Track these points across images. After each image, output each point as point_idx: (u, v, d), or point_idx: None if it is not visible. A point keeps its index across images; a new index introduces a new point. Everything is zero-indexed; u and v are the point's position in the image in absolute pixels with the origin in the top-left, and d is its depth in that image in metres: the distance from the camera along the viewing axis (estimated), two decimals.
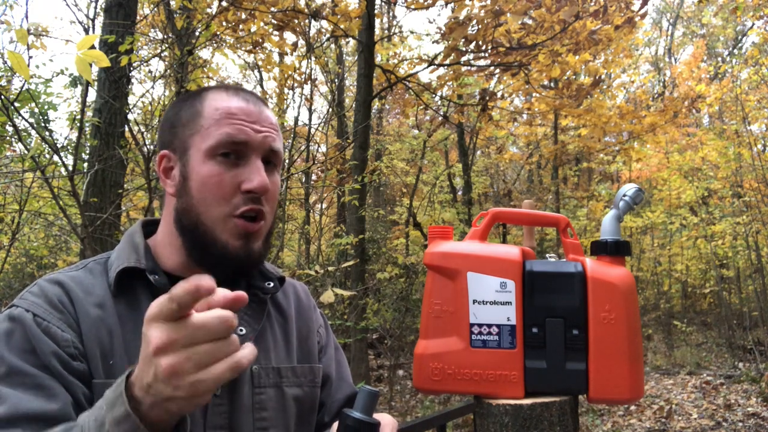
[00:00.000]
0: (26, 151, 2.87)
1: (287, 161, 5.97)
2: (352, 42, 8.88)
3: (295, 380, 0.88)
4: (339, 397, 0.97)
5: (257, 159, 0.81)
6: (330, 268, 3.82)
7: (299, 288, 1.01)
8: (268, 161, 0.85)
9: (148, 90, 4.34)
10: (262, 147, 0.82)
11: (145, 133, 3.62)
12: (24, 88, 2.88)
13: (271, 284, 0.91)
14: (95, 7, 3.13)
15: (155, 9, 5.03)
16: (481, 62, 6.40)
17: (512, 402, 0.95)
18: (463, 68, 6.47)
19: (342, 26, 5.60)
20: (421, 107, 7.31)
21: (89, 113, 3.81)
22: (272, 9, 5.32)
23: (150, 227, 0.90)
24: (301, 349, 0.92)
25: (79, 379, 0.71)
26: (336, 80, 9.22)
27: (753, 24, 10.92)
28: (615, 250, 1.02)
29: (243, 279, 0.91)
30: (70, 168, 2.70)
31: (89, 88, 3.39)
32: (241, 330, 0.84)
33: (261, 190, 0.80)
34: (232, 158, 0.81)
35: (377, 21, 6.94)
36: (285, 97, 7.40)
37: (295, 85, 6.60)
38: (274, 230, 0.90)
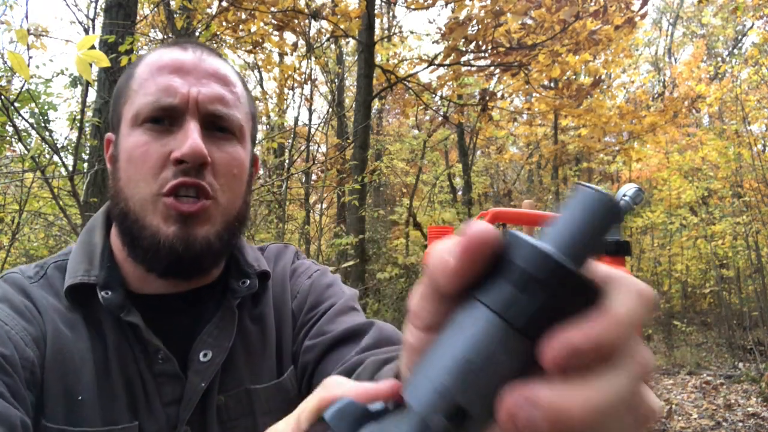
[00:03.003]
0: (26, 151, 2.87)
1: (287, 161, 5.98)
2: (352, 42, 8.88)
3: (266, 406, 0.69)
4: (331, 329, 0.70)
5: (192, 120, 0.63)
6: (330, 268, 3.82)
7: (278, 272, 0.79)
8: (219, 126, 0.66)
9: None
10: (198, 105, 0.63)
11: None
12: (24, 89, 2.88)
13: (247, 282, 0.71)
14: (95, 7, 3.13)
15: (155, 9, 5.03)
16: (481, 62, 6.40)
17: None
18: (463, 68, 6.47)
19: (342, 26, 5.60)
20: (421, 107, 7.31)
21: (89, 113, 3.81)
22: (272, 9, 5.32)
23: None
24: (279, 354, 0.73)
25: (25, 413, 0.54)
26: (336, 80, 9.22)
27: (753, 24, 10.92)
28: (615, 250, 1.02)
29: (220, 281, 0.72)
30: (70, 168, 2.70)
31: (89, 88, 3.39)
32: (206, 355, 0.65)
33: (192, 156, 0.60)
34: (164, 124, 0.63)
35: (377, 21, 6.94)
36: (285, 97, 7.40)
37: (295, 85, 6.60)
38: (245, 218, 0.71)
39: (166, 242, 0.61)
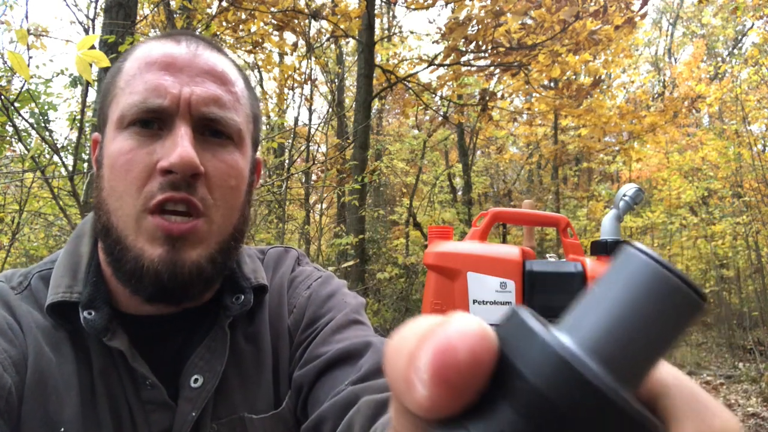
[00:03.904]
0: (26, 151, 2.87)
1: (287, 161, 5.97)
2: (352, 42, 8.89)
3: None
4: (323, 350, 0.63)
5: (182, 125, 0.56)
6: (330, 268, 3.82)
7: (276, 282, 0.72)
8: (214, 130, 0.58)
9: None
10: (191, 107, 0.56)
11: None
12: (24, 89, 2.88)
13: (241, 298, 0.64)
14: (95, 7, 3.13)
15: (155, 9, 5.03)
16: (481, 62, 6.40)
17: None
18: (463, 68, 6.47)
19: (342, 26, 5.60)
20: (421, 107, 7.31)
21: (89, 113, 3.81)
22: (272, 9, 5.32)
23: None
24: (276, 377, 0.66)
25: None
26: (336, 80, 9.22)
27: (753, 24, 10.93)
28: (615, 250, 1.02)
29: (214, 298, 0.65)
30: (70, 168, 2.70)
31: (89, 88, 3.39)
32: (196, 380, 0.59)
33: (182, 166, 0.53)
34: (152, 128, 0.56)
35: (377, 21, 6.95)
36: (285, 97, 7.40)
37: (295, 85, 6.60)
38: (242, 234, 0.63)
39: (150, 267, 0.54)
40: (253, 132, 0.66)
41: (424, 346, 0.17)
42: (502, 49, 5.94)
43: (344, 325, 0.64)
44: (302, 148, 7.17)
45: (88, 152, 4.00)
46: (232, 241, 0.61)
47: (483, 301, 1.01)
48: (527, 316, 0.17)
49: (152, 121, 0.56)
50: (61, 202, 2.75)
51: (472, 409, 0.17)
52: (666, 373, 0.18)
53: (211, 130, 0.59)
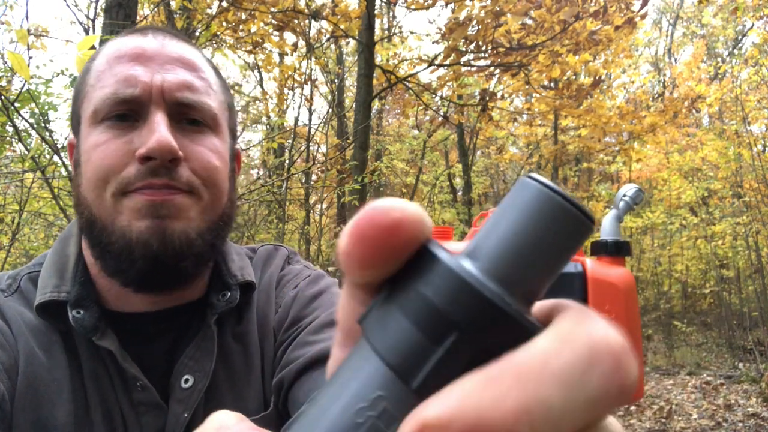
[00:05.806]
0: (26, 152, 2.87)
1: (287, 161, 5.98)
2: (352, 42, 8.89)
3: None
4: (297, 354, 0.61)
5: (157, 112, 0.55)
6: (330, 269, 3.82)
7: (264, 281, 0.70)
8: (190, 118, 0.58)
9: None
10: (164, 94, 0.56)
11: None
12: (24, 89, 2.88)
13: (227, 295, 0.63)
14: (95, 8, 3.13)
15: (155, 9, 5.03)
16: (481, 62, 6.40)
17: None
18: (463, 68, 6.47)
19: (342, 26, 5.60)
20: (421, 107, 7.31)
21: None
22: (272, 9, 5.32)
23: None
24: (264, 377, 0.65)
25: None
26: (336, 80, 9.22)
27: (753, 24, 10.92)
28: (615, 250, 1.02)
29: (203, 296, 0.64)
30: (70, 168, 2.69)
31: None
32: (187, 381, 0.58)
33: (160, 151, 0.52)
34: (128, 121, 0.56)
35: (377, 21, 6.95)
36: (285, 98, 7.40)
37: (295, 85, 6.60)
38: (230, 219, 0.63)
39: (139, 239, 0.53)
40: (229, 120, 0.65)
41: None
42: (502, 50, 5.95)
43: (328, 324, 0.62)
44: (302, 148, 7.17)
45: None
46: (220, 222, 0.60)
47: None
48: (433, 244, 0.18)
49: (126, 114, 0.56)
50: (61, 202, 2.75)
51: (367, 313, 0.18)
52: (564, 300, 0.19)
53: (187, 119, 0.58)
